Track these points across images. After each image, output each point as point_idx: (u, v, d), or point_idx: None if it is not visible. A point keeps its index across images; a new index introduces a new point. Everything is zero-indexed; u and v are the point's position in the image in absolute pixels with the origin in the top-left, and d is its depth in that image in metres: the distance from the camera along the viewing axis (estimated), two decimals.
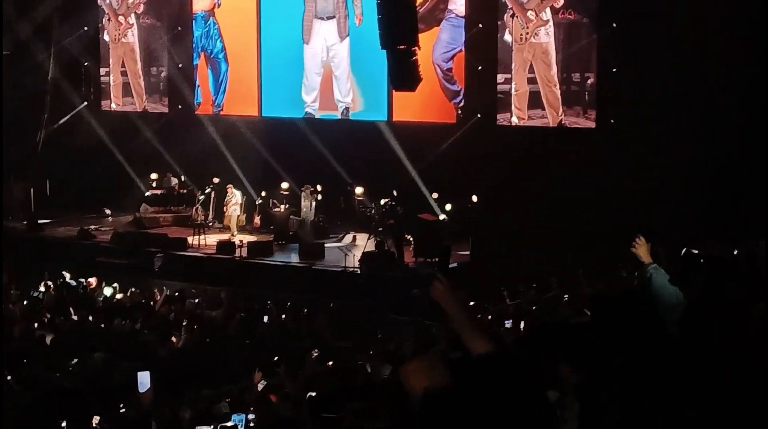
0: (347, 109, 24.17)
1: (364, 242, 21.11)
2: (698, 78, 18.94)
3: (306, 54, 24.54)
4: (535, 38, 21.29)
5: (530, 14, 21.23)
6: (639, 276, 6.25)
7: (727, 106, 18.52)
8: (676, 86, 19.26)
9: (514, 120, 21.70)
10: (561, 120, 21.17)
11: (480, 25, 22.04)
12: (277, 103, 25.21)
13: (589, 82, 20.96)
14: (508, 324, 12.29)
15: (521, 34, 21.43)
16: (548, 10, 21.05)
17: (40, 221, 24.08)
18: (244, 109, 25.61)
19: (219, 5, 25.68)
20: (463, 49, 22.19)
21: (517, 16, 21.38)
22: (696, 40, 18.74)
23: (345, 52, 24.06)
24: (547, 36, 21.19)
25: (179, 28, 26.11)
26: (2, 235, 21.51)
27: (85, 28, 27.19)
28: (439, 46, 22.63)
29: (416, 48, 17.27)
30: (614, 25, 20.26)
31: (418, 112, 22.99)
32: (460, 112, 22.64)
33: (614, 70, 20.37)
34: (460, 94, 22.55)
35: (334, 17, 24.04)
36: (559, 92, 21.15)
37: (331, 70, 24.32)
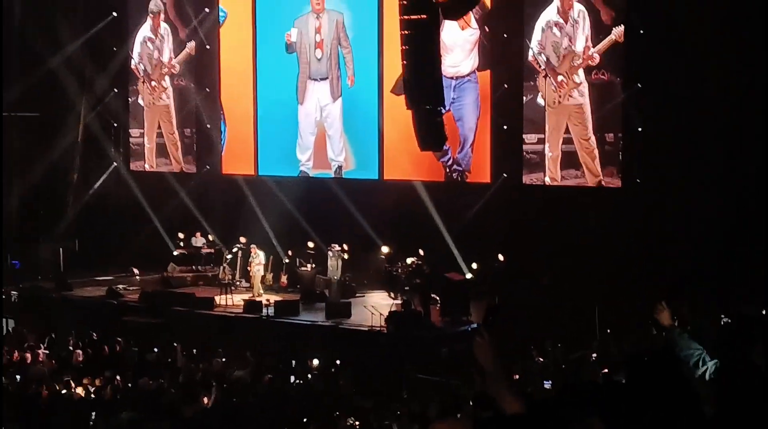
0: (340, 167, 24.89)
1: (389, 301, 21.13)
2: (723, 137, 19.01)
3: (300, 114, 25.32)
4: (568, 100, 21.40)
5: (561, 78, 21.35)
6: (665, 338, 6.24)
7: (752, 164, 18.55)
8: (701, 146, 19.30)
9: (547, 180, 21.76)
10: (600, 180, 21.17)
11: (505, 86, 22.20)
12: (273, 161, 25.92)
13: (614, 140, 21.00)
14: (547, 385, 12.26)
15: (554, 98, 21.54)
16: (581, 71, 21.19)
17: (69, 281, 24.21)
18: (241, 167, 26.16)
19: None
20: (450, 108, 22.46)
21: (549, 78, 21.52)
22: (720, 99, 18.85)
23: (338, 112, 24.83)
24: (581, 97, 21.28)
25: (207, 89, 26.44)
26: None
27: (115, 90, 27.57)
28: None
29: (441, 108, 17.43)
30: (639, 85, 20.34)
31: (407, 171, 23.54)
32: (448, 170, 23.14)
33: (639, 129, 20.41)
34: (447, 153, 22.92)
35: (327, 78, 24.85)
36: (597, 152, 21.16)
37: (325, 130, 25.06)
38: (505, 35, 22.13)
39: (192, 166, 27.03)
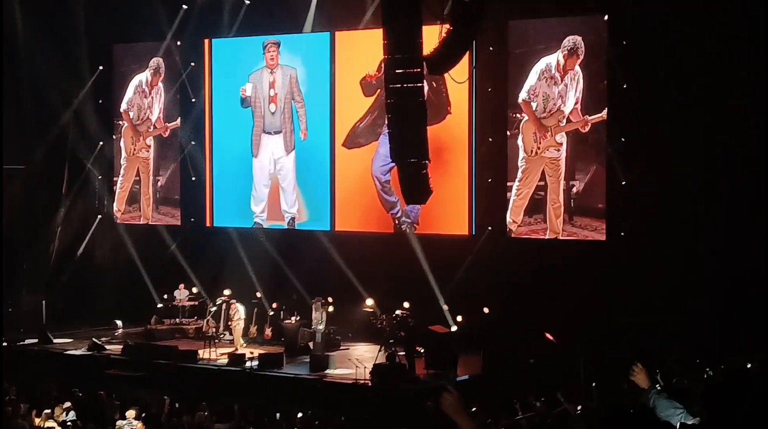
0: (293, 219, 25.37)
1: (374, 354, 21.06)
2: (708, 191, 19.16)
3: (255, 166, 25.89)
4: (545, 153, 21.58)
5: (547, 134, 21.54)
6: (642, 397, 6.21)
7: (738, 217, 18.68)
8: (686, 200, 19.44)
9: (508, 224, 21.93)
10: (557, 236, 21.38)
11: (490, 139, 22.34)
12: (227, 213, 26.47)
13: (587, 193, 21.15)
14: None
15: (532, 147, 21.73)
16: (565, 134, 21.39)
17: (50, 334, 24.04)
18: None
19: None
20: None
21: (532, 127, 21.72)
22: (706, 152, 19.03)
23: (291, 165, 25.43)
24: (557, 152, 21.50)
25: (193, 143, 26.51)
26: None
27: (101, 143, 27.61)
28: (378, 159, 23.80)
29: (426, 161, 17.47)
30: (623, 139, 20.51)
31: (357, 223, 24.35)
32: (397, 222, 23.61)
33: (623, 183, 20.53)
34: (396, 205, 23.48)
35: (281, 132, 25.54)
36: (562, 207, 21.35)
37: (278, 182, 25.63)
38: (489, 89, 22.30)
39: (170, 218, 27.00)
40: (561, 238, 21.32)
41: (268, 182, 25.73)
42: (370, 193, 23.97)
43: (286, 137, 25.41)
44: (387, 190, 23.85)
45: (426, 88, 22.51)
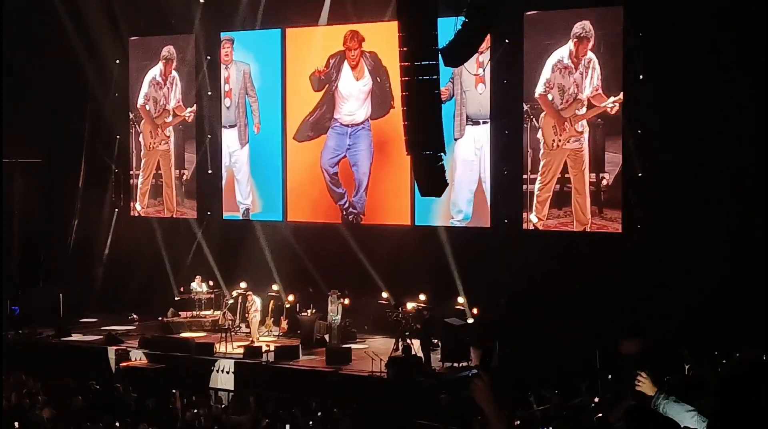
0: (247, 210, 26.19)
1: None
2: (723, 181, 19.07)
3: None
4: (567, 144, 21.52)
5: (566, 124, 21.49)
6: (653, 403, 6.15)
7: (754, 206, 18.60)
8: (702, 190, 19.36)
9: (533, 219, 21.85)
10: (586, 227, 21.23)
11: (506, 132, 22.29)
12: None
13: (614, 185, 21.04)
14: None
15: (553, 140, 21.67)
16: (585, 122, 21.32)
17: (68, 326, 24.15)
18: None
19: None
20: (347, 155, 24.37)
21: (551, 120, 21.66)
22: (720, 142, 18.95)
23: (245, 158, 26.20)
24: (578, 143, 21.42)
25: (210, 136, 26.56)
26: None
27: (118, 137, 27.70)
28: (326, 152, 24.79)
29: (442, 154, 17.43)
30: (639, 131, 20.42)
31: (308, 214, 25.35)
32: (344, 213, 24.44)
33: (640, 174, 20.46)
34: (344, 196, 24.40)
35: (235, 125, 26.32)
36: (589, 198, 21.26)
37: (233, 174, 26.36)
38: (505, 81, 22.25)
39: (191, 210, 27.08)
40: (588, 230, 21.21)
41: (223, 175, 26.60)
42: (319, 184, 24.95)
43: (240, 131, 26.18)
44: (335, 182, 24.75)
45: (371, 83, 23.56)
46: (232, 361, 20.84)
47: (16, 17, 25.01)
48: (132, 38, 27.34)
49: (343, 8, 24.02)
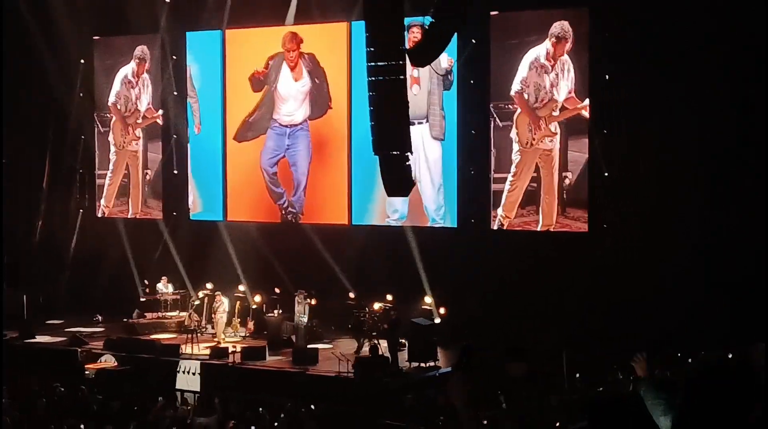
0: (188, 209, 26.42)
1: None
2: (691, 182, 19.20)
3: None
4: (541, 144, 21.58)
5: (542, 123, 21.53)
6: (634, 384, 6.20)
7: (720, 206, 18.74)
8: (669, 191, 19.48)
9: (500, 216, 21.90)
10: (550, 227, 21.32)
11: (473, 131, 22.32)
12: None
13: (579, 184, 21.13)
14: None
15: (527, 139, 21.72)
16: (557, 123, 21.38)
17: (32, 329, 23.91)
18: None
19: None
20: (286, 155, 24.85)
21: (526, 119, 21.70)
22: (689, 143, 19.08)
23: (186, 158, 26.42)
24: (552, 143, 21.48)
25: (175, 137, 26.41)
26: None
27: (83, 137, 27.47)
28: (266, 152, 25.18)
29: (409, 154, 17.44)
30: (605, 131, 20.51)
31: (248, 213, 25.62)
32: (283, 212, 24.85)
33: (606, 174, 20.54)
34: (283, 196, 24.82)
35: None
36: (557, 198, 21.34)
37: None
38: (471, 82, 22.28)
39: (156, 210, 26.92)
40: (552, 230, 21.29)
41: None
42: (259, 184, 25.27)
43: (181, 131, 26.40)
44: (274, 182, 25.10)
45: (309, 85, 24.04)
46: (198, 362, 20.71)
47: None
48: (96, 37, 27.12)
49: (286, 10, 24.18)
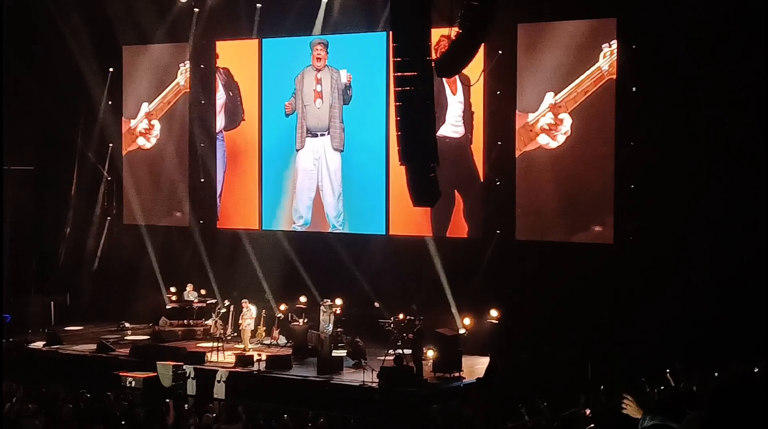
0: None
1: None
2: (714, 194, 19.11)
3: None
4: (553, 152, 21.59)
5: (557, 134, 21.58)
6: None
7: (744, 219, 18.65)
8: (693, 203, 19.40)
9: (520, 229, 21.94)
10: (569, 238, 21.30)
11: (499, 143, 22.31)
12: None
13: (607, 197, 21.07)
14: None
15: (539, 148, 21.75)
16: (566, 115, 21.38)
17: (59, 334, 24.07)
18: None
19: None
20: None
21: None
22: (717, 155, 19.01)
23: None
24: (559, 149, 21.51)
25: (202, 145, 26.53)
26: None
27: (111, 145, 27.66)
28: None
29: (435, 164, 17.41)
30: (631, 143, 20.45)
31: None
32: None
33: (632, 186, 20.48)
34: None
35: None
36: (572, 208, 21.33)
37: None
38: (498, 92, 22.28)
39: (180, 218, 27.05)
40: (572, 241, 21.24)
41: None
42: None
43: None
44: None
45: (224, 97, 25.40)
46: (225, 370, 20.77)
47: (10, 24, 24.96)
48: (125, 46, 27.30)
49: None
